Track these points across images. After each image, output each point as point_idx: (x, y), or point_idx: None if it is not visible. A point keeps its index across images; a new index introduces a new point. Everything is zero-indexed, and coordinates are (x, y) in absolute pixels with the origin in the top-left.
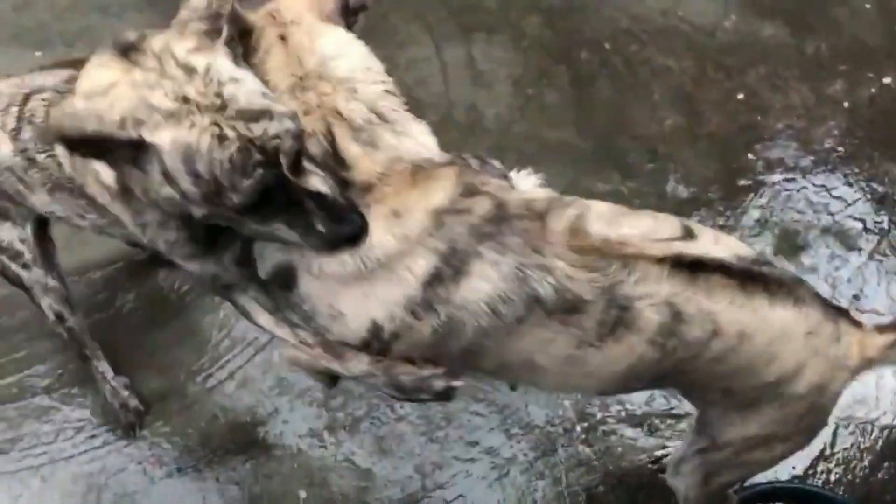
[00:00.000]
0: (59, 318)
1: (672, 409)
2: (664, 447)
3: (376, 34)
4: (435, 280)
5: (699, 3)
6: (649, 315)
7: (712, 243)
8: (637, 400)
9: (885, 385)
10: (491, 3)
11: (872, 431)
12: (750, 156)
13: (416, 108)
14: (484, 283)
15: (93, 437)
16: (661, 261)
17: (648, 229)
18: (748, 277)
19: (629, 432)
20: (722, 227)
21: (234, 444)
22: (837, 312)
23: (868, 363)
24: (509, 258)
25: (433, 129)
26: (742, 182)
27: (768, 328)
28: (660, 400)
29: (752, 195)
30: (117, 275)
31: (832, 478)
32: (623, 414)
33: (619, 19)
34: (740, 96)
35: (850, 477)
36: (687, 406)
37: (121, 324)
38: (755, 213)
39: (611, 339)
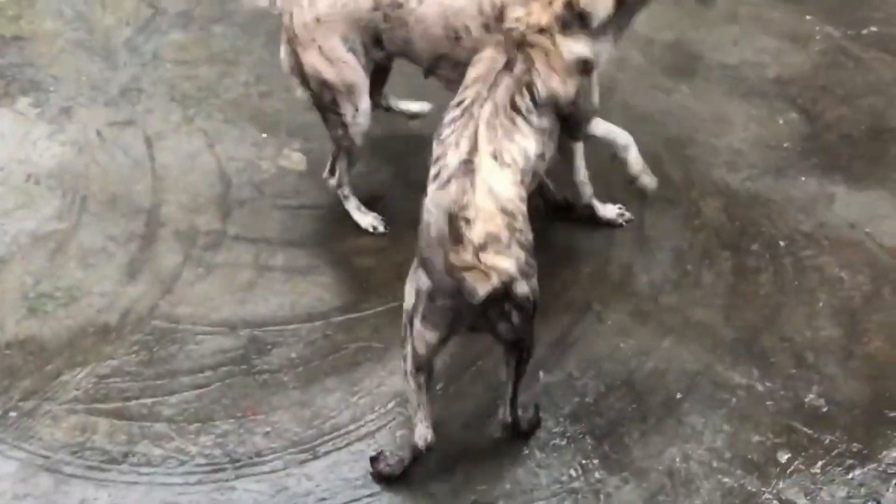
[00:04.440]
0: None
1: None
2: None
3: (556, 178)
4: None
5: (894, 224)
6: None
7: None
8: None
9: None
10: (676, 177)
11: None
12: None
13: (572, 256)
14: None
15: (191, 473)
16: None
17: None
18: None
19: None
20: (856, 453)
21: None
22: None
23: None
24: None
25: (585, 281)
26: (892, 414)
27: None
28: None
29: None
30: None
31: None
32: None
33: (803, 222)
34: None
35: None
36: None
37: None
38: None
39: None
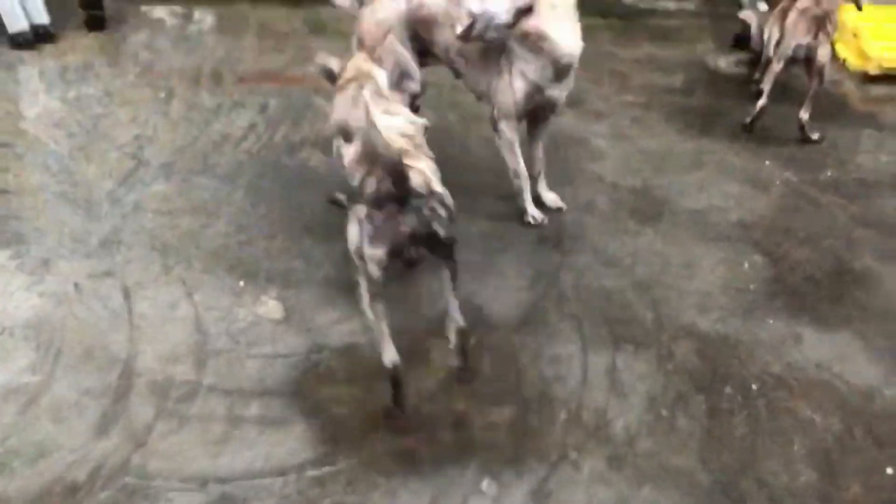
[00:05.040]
0: None
1: None
2: None
3: (529, 323)
4: None
5: (861, 363)
6: None
7: None
8: None
9: None
10: (647, 319)
11: None
12: None
13: (546, 402)
14: None
15: None
16: None
17: None
18: None
19: None
20: None
21: None
22: None
23: None
24: None
25: (559, 427)
26: None
27: None
28: None
29: None
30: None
31: None
32: None
33: (772, 363)
34: (889, 471)
35: None
36: None
37: None
38: None
39: None
